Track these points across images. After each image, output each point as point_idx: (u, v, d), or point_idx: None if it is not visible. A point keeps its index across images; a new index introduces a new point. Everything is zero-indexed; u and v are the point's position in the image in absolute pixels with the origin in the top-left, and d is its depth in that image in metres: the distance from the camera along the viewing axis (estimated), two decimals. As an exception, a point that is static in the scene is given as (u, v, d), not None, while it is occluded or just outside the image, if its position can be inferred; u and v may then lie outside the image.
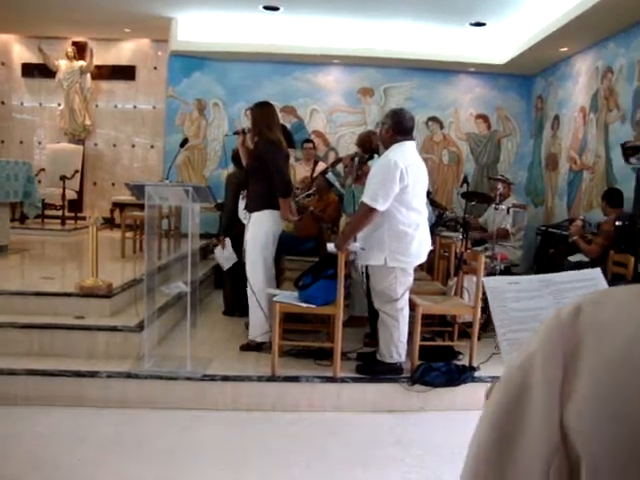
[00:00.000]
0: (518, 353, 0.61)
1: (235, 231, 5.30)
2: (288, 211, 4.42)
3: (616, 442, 0.49)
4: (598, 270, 0.95)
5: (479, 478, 0.59)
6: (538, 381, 0.56)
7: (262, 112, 4.55)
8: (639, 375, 0.49)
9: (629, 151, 5.45)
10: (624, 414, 0.49)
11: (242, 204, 4.92)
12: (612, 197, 5.48)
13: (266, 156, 4.39)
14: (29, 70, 9.63)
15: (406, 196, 3.88)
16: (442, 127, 8.82)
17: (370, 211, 3.84)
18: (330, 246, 4.08)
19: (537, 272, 6.58)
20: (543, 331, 0.59)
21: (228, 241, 5.40)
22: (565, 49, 7.12)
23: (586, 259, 5.38)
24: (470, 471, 0.60)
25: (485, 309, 4.78)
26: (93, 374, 3.87)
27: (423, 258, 4.16)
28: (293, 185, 4.87)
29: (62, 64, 9.32)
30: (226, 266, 5.56)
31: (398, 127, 4.00)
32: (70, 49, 9.33)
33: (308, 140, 7.93)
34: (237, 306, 5.34)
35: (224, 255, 5.48)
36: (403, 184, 3.83)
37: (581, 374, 0.53)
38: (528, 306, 0.92)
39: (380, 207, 3.82)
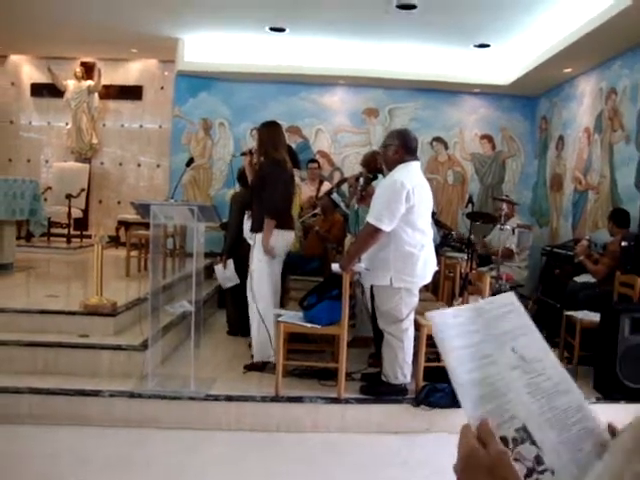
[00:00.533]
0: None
1: (239, 252, 5.29)
2: (268, 238, 4.37)
3: None
4: (512, 294, 0.93)
5: None
6: None
7: (269, 132, 4.57)
8: None
9: None
10: None
11: (247, 224, 4.91)
12: (619, 217, 5.47)
13: (267, 176, 4.40)
14: (38, 90, 9.73)
15: (412, 216, 3.88)
16: (447, 147, 8.85)
17: (375, 231, 3.84)
18: (335, 266, 4.07)
19: (543, 292, 6.57)
20: None
21: (231, 262, 5.38)
22: (569, 70, 7.16)
23: (592, 279, 5.37)
24: None
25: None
26: (96, 393, 3.86)
27: (428, 279, 4.15)
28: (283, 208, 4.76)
29: (70, 84, 9.41)
30: (226, 285, 5.53)
31: (406, 147, 4.02)
32: (78, 69, 9.43)
33: (313, 160, 7.96)
34: (240, 326, 5.32)
35: (225, 275, 5.45)
36: (409, 204, 3.83)
37: None
38: (469, 342, 0.85)
39: (385, 227, 3.82)
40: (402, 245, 3.88)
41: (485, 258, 6.76)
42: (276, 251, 4.44)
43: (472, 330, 0.87)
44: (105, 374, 4.11)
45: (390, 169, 4.05)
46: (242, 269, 5.21)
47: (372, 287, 4.09)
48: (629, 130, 6.05)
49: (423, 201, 3.98)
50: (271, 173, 4.41)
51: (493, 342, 0.86)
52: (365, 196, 4.93)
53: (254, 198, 4.57)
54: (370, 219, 3.87)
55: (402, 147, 4.00)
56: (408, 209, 3.84)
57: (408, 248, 3.89)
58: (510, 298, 0.91)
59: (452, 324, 0.87)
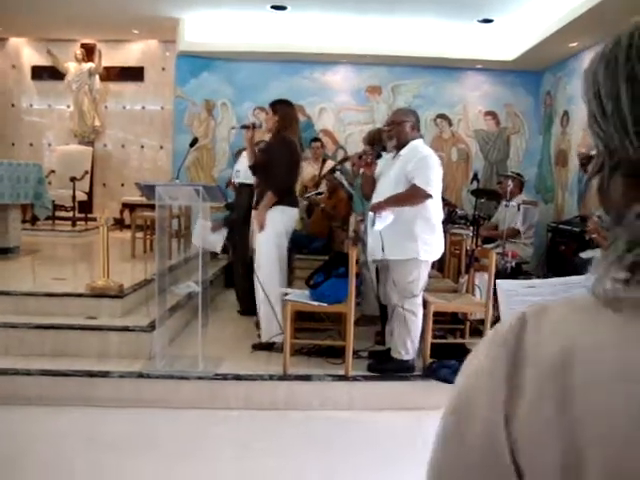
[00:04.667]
0: (461, 373, 0.61)
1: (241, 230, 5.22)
2: (265, 211, 4.38)
3: (556, 451, 0.49)
4: None
5: None
6: (482, 405, 0.56)
7: (290, 110, 4.59)
8: (574, 384, 0.50)
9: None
10: (561, 423, 0.49)
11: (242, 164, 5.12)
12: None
13: (278, 155, 4.38)
14: (39, 73, 9.68)
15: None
16: (451, 124, 8.79)
17: (425, 196, 3.89)
18: (371, 215, 3.93)
19: (548, 269, 6.56)
20: (487, 349, 0.58)
21: (224, 230, 5.23)
22: (574, 44, 7.07)
23: (599, 255, 5.33)
24: None
25: (496, 306, 4.75)
26: (105, 374, 3.88)
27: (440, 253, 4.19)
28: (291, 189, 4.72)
29: (71, 66, 9.36)
30: (199, 244, 4.85)
31: (418, 124, 4.19)
32: (79, 51, 9.37)
33: (316, 139, 7.93)
34: (252, 305, 5.31)
35: (209, 236, 4.87)
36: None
37: (523, 391, 0.53)
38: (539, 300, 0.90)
39: (434, 194, 3.93)
40: (429, 217, 3.94)
41: (490, 239, 6.72)
42: (282, 228, 4.44)
43: (547, 292, 0.87)
44: (113, 355, 4.13)
45: (403, 145, 4.06)
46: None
47: (390, 261, 4.03)
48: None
49: None
50: (282, 153, 4.39)
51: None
52: (370, 163, 4.83)
53: (259, 175, 4.55)
54: (420, 184, 3.88)
55: (416, 123, 4.15)
56: None
57: (433, 220, 3.96)
58: None
59: (521, 292, 0.88)
